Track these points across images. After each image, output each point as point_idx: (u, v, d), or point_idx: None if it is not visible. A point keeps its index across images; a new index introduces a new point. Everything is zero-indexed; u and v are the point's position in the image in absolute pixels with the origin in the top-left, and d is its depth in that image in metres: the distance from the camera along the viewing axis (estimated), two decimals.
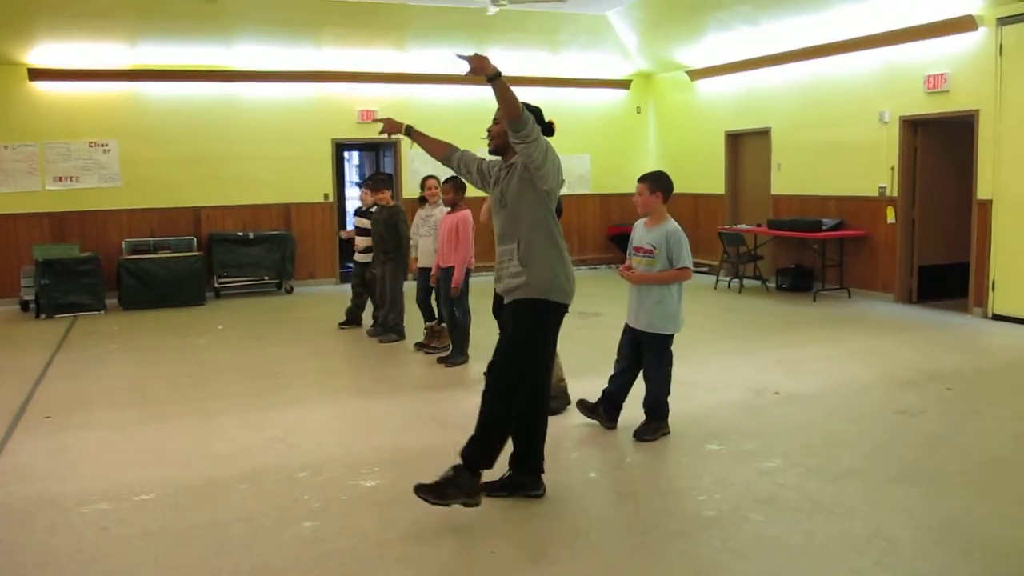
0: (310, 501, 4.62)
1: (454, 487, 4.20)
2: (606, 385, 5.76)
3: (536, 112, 4.50)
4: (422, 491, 4.18)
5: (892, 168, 10.47)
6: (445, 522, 4.32)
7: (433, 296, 8.11)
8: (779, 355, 7.95)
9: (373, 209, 9.13)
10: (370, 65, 12.95)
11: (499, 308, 6.96)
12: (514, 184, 4.44)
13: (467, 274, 7.44)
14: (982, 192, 9.54)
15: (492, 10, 10.01)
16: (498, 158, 4.69)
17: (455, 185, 7.51)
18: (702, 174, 13.32)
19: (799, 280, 11.55)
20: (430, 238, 8.18)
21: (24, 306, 11.18)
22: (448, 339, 8.17)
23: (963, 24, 9.52)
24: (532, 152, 4.27)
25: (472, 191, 8.22)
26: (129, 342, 9.18)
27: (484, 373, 4.43)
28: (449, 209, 7.58)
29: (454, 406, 6.52)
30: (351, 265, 11.19)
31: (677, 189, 5.68)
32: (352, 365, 8.13)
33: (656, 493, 4.69)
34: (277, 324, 10.18)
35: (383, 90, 13.15)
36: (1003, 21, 9.19)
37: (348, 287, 10.55)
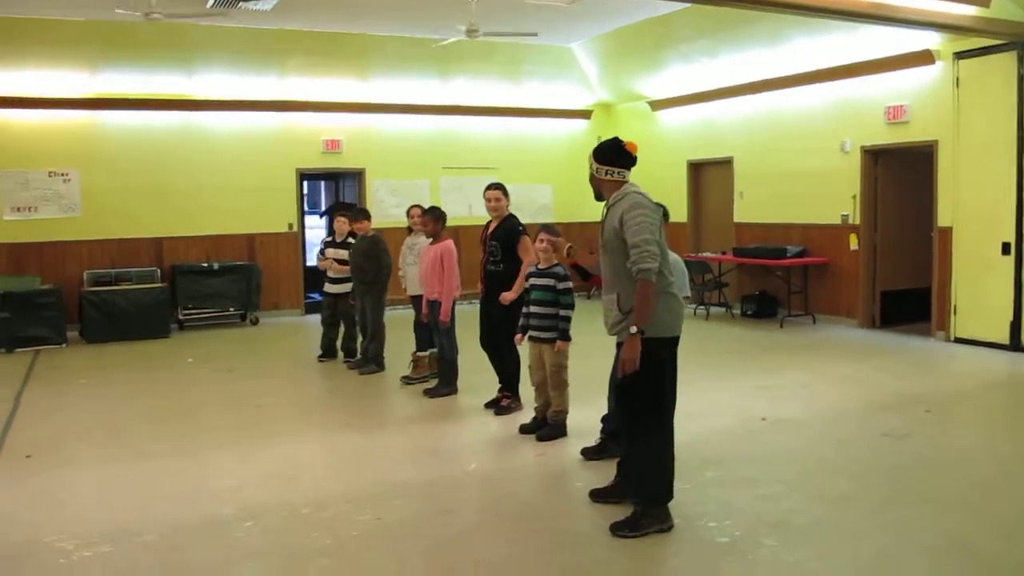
0: (320, 538, 4.55)
1: (649, 518, 4.46)
2: (601, 424, 5.82)
3: (614, 145, 4.58)
4: (619, 531, 4.44)
5: (854, 196, 10.74)
6: (463, 556, 4.31)
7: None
8: (757, 381, 8.06)
9: (349, 240, 9.14)
10: (334, 95, 12.91)
11: (488, 337, 7.02)
12: (607, 231, 4.46)
13: (453, 304, 7.41)
14: (943, 219, 9.84)
15: (446, 40, 10.09)
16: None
17: (435, 216, 7.50)
18: (664, 203, 13.34)
19: (764, 307, 11.75)
20: (416, 266, 8.16)
21: None
22: (427, 369, 8.16)
23: (921, 58, 9.85)
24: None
25: (453, 220, 8.26)
26: (98, 376, 8.96)
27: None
28: (431, 240, 7.54)
29: (446, 438, 6.52)
30: (315, 296, 11.14)
31: None
32: (335, 398, 8.04)
33: None
34: (247, 356, 10.04)
35: (347, 119, 13.11)
36: (959, 56, 9.53)
37: (312, 317, 10.52)
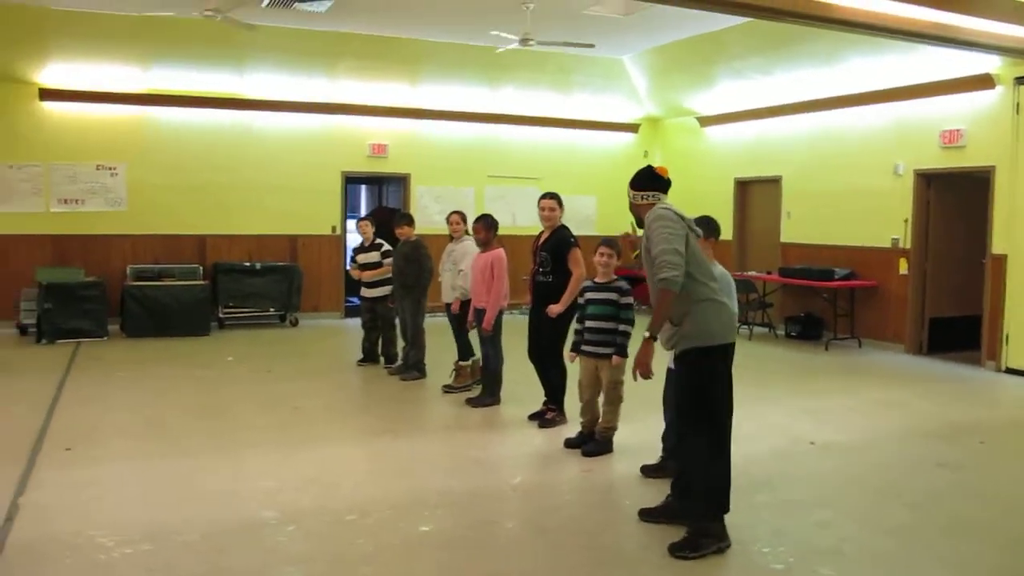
0: (363, 545, 4.48)
1: (707, 538, 4.37)
2: (661, 443, 5.69)
3: (647, 172, 4.71)
4: (678, 552, 4.33)
5: (906, 220, 10.53)
6: (507, 568, 4.22)
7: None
8: (804, 404, 7.90)
9: (377, 242, 9.16)
10: (382, 99, 12.92)
11: (535, 348, 6.91)
12: (643, 250, 4.54)
13: (500, 313, 7.30)
14: (997, 247, 9.61)
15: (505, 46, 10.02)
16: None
17: (486, 224, 7.39)
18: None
19: (808, 328, 11.55)
20: (450, 273, 8.09)
21: (22, 330, 10.95)
22: (468, 378, 8.08)
23: (980, 82, 9.65)
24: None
25: (504, 229, 8.15)
26: (138, 371, 8.99)
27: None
28: (481, 248, 7.44)
29: (489, 449, 6.43)
30: (354, 300, 11.11)
31: None
32: (375, 403, 7.97)
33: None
34: (286, 357, 9.99)
35: (394, 124, 13.11)
36: (1020, 81, 9.32)
37: (352, 321, 10.45)
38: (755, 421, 6.97)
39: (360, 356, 9.34)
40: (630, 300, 5.99)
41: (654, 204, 4.59)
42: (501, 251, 7.34)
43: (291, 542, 4.52)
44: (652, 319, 4.41)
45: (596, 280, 6.08)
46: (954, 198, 10.48)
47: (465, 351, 8.16)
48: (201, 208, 12.15)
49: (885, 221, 10.79)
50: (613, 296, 5.95)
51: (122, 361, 9.51)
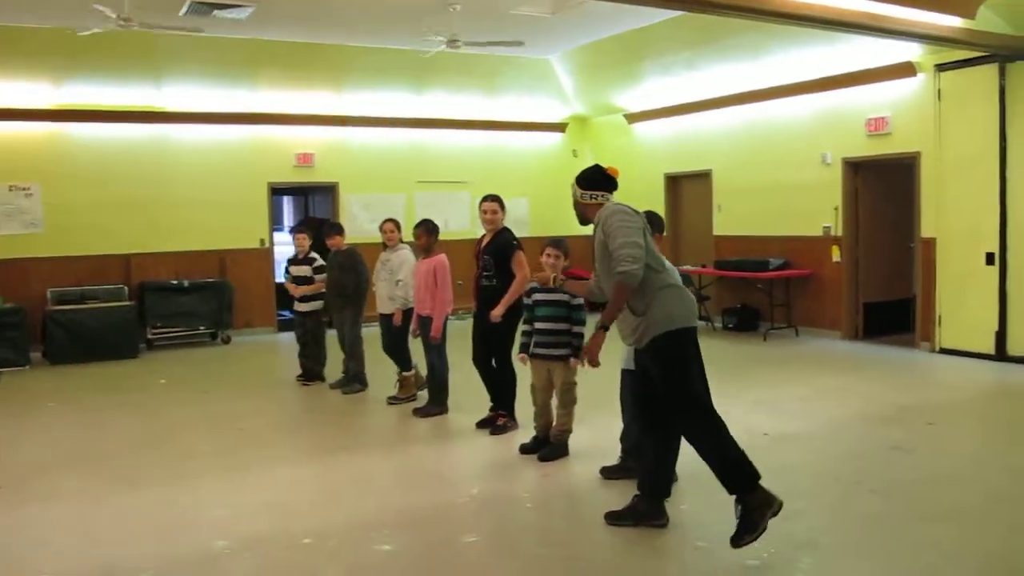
0: (326, 570, 4.30)
1: (755, 511, 4.12)
2: (620, 443, 5.62)
3: (598, 171, 4.73)
4: (740, 541, 4.11)
5: (836, 208, 10.70)
6: None
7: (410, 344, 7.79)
8: (752, 395, 7.91)
9: (310, 256, 8.87)
10: (307, 107, 12.64)
11: (482, 354, 6.76)
12: (598, 247, 4.54)
13: (445, 321, 7.13)
14: (926, 230, 9.82)
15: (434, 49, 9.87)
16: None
17: (427, 228, 7.23)
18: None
19: (745, 320, 11.66)
20: (386, 283, 7.88)
21: None
22: (412, 388, 7.91)
23: (902, 70, 9.85)
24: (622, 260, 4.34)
25: (446, 234, 8.00)
26: (67, 400, 8.58)
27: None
28: (423, 254, 7.26)
29: (445, 460, 6.29)
30: (286, 313, 10.87)
31: None
32: (321, 418, 7.74)
33: (687, 545, 4.53)
34: (223, 376, 9.69)
35: (320, 132, 12.84)
36: (940, 68, 9.54)
37: (286, 335, 10.22)
38: None
39: (299, 372, 9.07)
40: (581, 300, 5.89)
41: (602, 204, 4.57)
42: (443, 257, 7.17)
43: (248, 571, 4.32)
44: (606, 310, 4.42)
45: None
46: (882, 185, 10.69)
47: (405, 363, 7.95)
48: (124, 226, 11.68)
49: (816, 210, 10.94)
50: (564, 297, 5.84)
51: (49, 390, 9.07)
